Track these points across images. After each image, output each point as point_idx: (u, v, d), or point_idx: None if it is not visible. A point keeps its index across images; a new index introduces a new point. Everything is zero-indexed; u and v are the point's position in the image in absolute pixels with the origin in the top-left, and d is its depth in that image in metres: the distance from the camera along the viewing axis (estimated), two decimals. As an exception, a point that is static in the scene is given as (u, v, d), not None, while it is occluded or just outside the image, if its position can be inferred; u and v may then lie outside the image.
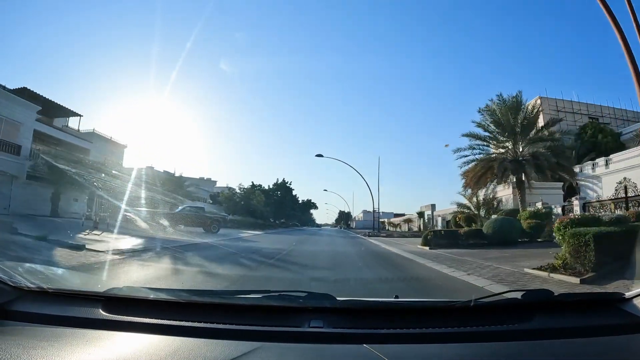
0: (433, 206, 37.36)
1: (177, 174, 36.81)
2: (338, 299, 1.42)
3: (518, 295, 1.40)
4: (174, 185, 32.18)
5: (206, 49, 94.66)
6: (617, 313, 1.30)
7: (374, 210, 34.34)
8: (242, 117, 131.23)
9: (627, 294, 1.33)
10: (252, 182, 55.67)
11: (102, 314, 1.33)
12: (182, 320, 1.27)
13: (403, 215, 73.47)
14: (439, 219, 33.25)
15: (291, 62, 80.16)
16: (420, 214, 40.78)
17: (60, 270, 2.41)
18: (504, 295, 1.52)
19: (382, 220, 73.47)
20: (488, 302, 1.39)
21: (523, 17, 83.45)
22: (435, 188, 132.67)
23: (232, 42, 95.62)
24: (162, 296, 1.49)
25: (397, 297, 1.60)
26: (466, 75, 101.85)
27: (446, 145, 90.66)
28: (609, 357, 1.13)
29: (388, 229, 53.28)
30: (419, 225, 40.57)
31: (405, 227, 50.71)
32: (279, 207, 57.01)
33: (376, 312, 1.39)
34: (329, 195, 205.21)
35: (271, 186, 59.61)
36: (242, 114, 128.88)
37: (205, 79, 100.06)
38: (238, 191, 48.20)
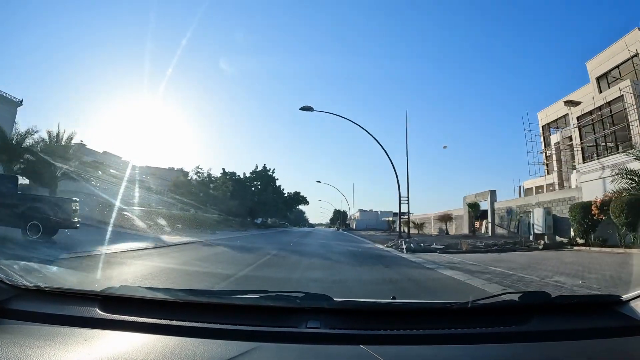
0: (492, 193, 23.87)
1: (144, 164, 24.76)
2: (335, 299, 1.40)
3: (515, 297, 1.39)
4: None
5: (202, 44, 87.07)
6: (614, 315, 1.29)
7: (399, 198, 20.63)
8: (225, 108, 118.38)
9: (624, 297, 1.33)
10: (223, 168, 42.11)
11: (99, 313, 1.33)
12: (179, 320, 1.27)
13: (403, 214, 60.85)
14: (539, 213, 17.83)
15: (284, 59, 73.35)
16: (473, 206, 26.54)
17: (57, 269, 2.40)
18: (501, 297, 1.50)
19: (386, 219, 61.29)
20: (485, 303, 1.38)
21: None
22: (436, 189, 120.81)
23: (230, 41, 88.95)
24: (159, 296, 1.49)
25: (394, 298, 1.56)
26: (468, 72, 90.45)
27: (444, 147, 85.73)
28: (606, 359, 1.14)
29: (403, 230, 39.77)
30: (469, 224, 26.56)
31: (431, 229, 35.37)
32: (258, 201, 43.15)
33: (373, 313, 1.38)
34: (323, 193, 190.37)
35: (248, 174, 45.65)
36: (226, 105, 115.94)
37: (191, 71, 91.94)
38: (194, 177, 34.43)
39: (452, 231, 29.50)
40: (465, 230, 26.92)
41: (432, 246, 13.71)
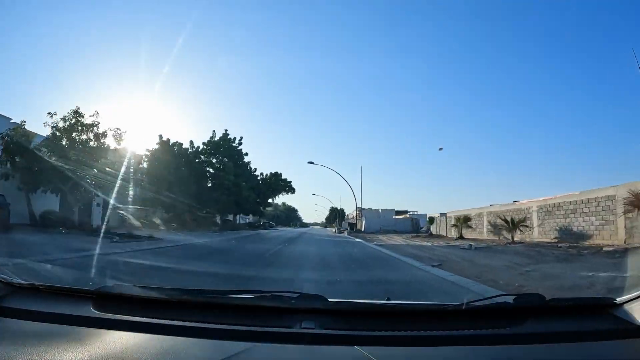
0: None
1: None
2: (330, 300, 1.40)
3: (510, 299, 1.40)
4: None
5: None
6: (608, 318, 1.30)
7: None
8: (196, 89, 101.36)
9: (618, 300, 1.33)
10: (160, 135, 25.26)
11: (93, 311, 1.33)
12: (173, 320, 1.27)
13: (406, 212, 55.49)
14: None
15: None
16: None
17: (52, 267, 2.36)
18: (496, 299, 1.51)
19: (396, 217, 47.31)
20: (480, 305, 1.38)
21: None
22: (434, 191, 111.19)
23: (227, 40, 78.73)
24: (154, 295, 1.49)
25: (388, 299, 1.57)
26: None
27: (440, 149, 78.52)
28: None
29: (454, 235, 23.43)
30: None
31: (533, 231, 17.90)
32: (213, 186, 25.98)
33: (368, 313, 1.39)
34: (320, 191, 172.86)
35: (202, 146, 28.63)
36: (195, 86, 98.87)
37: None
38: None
39: (615, 236, 12.76)
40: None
41: None
